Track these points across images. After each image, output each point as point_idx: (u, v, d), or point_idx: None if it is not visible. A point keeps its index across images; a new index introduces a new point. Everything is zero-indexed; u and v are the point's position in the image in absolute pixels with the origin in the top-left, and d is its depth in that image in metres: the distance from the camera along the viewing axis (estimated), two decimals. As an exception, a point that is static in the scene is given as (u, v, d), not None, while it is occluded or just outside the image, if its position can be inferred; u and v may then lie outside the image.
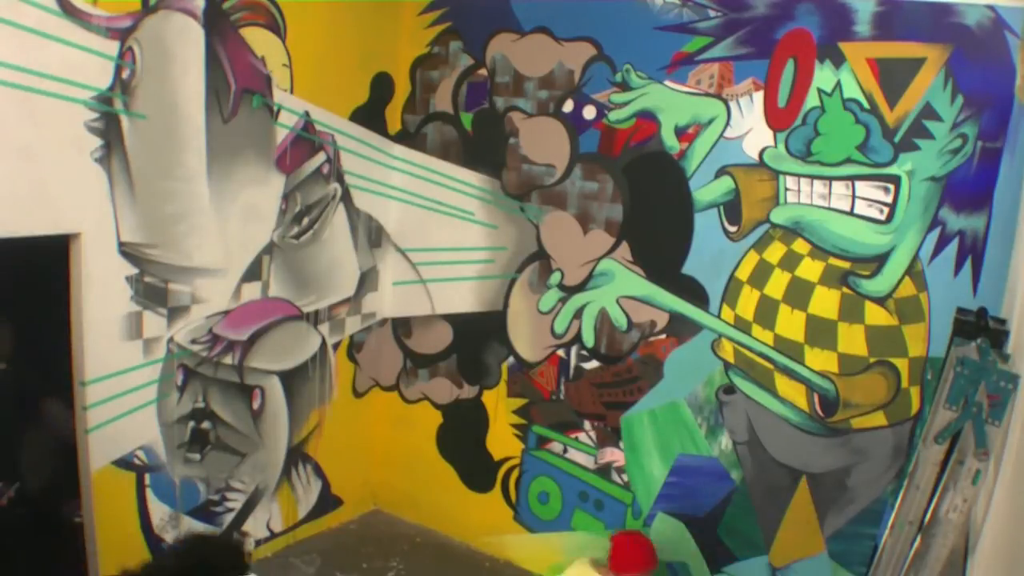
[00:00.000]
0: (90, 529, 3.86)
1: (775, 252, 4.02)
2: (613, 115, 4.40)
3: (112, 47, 3.57)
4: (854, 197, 3.80)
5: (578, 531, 4.76)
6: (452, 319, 5.11)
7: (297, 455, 4.92)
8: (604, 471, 4.66)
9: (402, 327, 5.32)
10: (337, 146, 4.74)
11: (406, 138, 5.12)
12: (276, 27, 4.27)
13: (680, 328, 4.33)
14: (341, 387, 5.17)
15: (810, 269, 3.93)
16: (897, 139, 3.69)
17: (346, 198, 4.87)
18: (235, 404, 4.47)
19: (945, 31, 3.55)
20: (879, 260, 3.79)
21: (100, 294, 3.71)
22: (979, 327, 2.91)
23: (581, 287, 4.60)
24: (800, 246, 3.95)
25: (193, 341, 4.17)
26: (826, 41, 3.81)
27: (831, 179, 3.85)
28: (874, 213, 3.77)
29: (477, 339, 5.02)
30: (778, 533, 4.17)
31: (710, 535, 4.35)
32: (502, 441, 5.00)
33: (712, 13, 4.09)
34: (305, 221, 4.64)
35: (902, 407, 3.80)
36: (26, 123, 3.32)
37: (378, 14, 4.85)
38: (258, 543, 4.78)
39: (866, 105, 3.73)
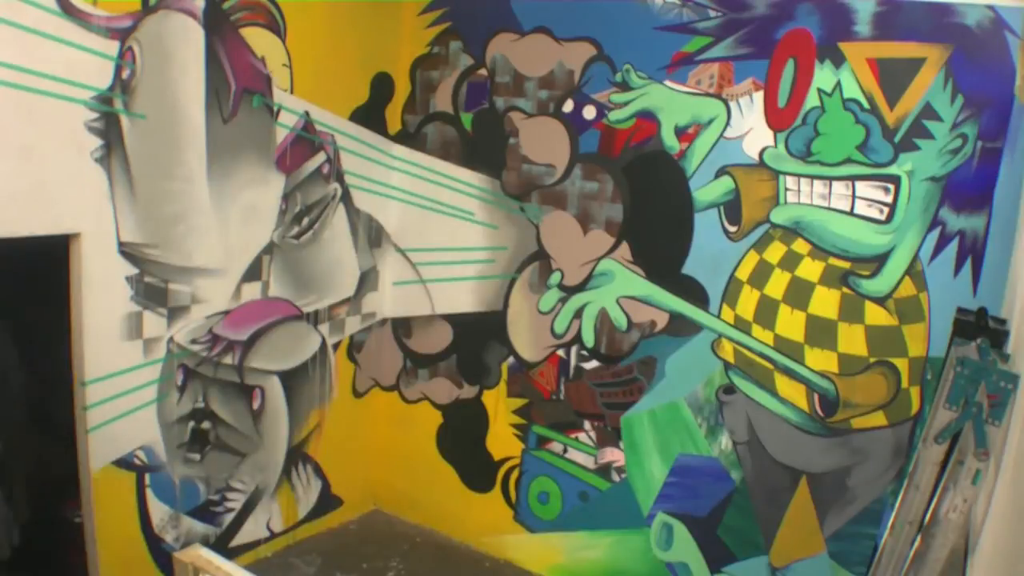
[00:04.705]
0: (90, 529, 3.86)
1: (775, 252, 4.02)
2: (613, 115, 4.40)
3: (112, 47, 3.57)
4: (854, 197, 3.80)
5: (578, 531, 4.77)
6: (452, 319, 5.11)
7: (297, 455, 4.92)
8: (604, 471, 4.66)
9: (402, 327, 5.32)
10: (337, 146, 4.74)
11: (406, 138, 5.12)
12: (276, 27, 4.26)
13: (680, 328, 4.33)
14: (341, 387, 5.17)
15: (810, 269, 3.93)
16: (897, 139, 3.69)
17: (346, 198, 4.86)
18: (235, 404, 4.47)
19: (945, 31, 3.55)
20: (879, 260, 3.79)
21: (100, 294, 3.70)
22: (979, 327, 2.91)
23: (581, 287, 4.60)
24: (800, 246, 3.96)
25: (193, 341, 4.17)
26: (826, 41, 3.81)
27: (831, 179, 3.85)
28: (874, 213, 3.77)
29: (477, 339, 5.02)
30: (778, 533, 4.17)
31: (710, 535, 4.36)
32: (502, 441, 4.99)
33: (712, 13, 4.09)
34: (305, 221, 4.64)
35: (902, 407, 3.80)
36: (26, 123, 3.32)
37: (378, 14, 4.85)
38: (258, 543, 4.78)
39: (866, 105, 3.73)
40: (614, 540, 4.65)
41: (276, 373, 4.67)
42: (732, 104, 4.07)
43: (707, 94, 4.13)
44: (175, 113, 3.87)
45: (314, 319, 4.84)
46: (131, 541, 4.08)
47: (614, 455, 4.61)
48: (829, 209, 3.86)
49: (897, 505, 2.74)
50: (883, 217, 3.75)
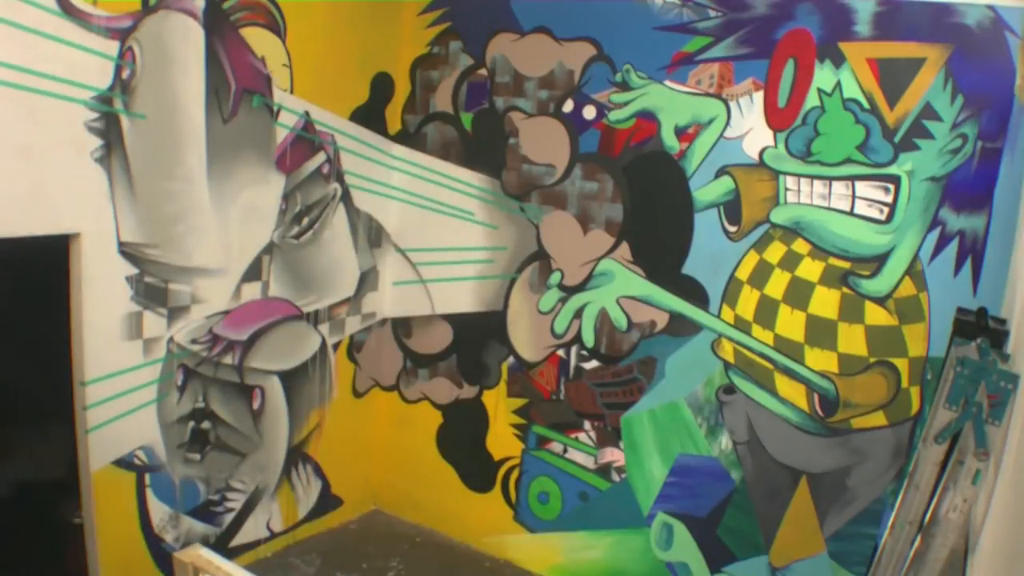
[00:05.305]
0: (90, 529, 3.86)
1: (775, 252, 4.02)
2: (613, 115, 4.40)
3: (112, 47, 3.57)
4: (854, 197, 3.80)
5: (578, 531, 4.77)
6: (452, 319, 5.11)
7: (297, 455, 4.92)
8: (604, 471, 4.66)
9: (402, 327, 5.32)
10: (337, 146, 4.74)
11: (406, 138, 5.12)
12: (276, 27, 4.26)
13: (680, 328, 4.33)
14: (341, 387, 5.17)
15: (810, 269, 3.93)
16: (897, 139, 3.69)
17: (346, 198, 4.86)
18: (235, 404, 4.47)
19: (945, 31, 3.55)
20: (879, 260, 3.79)
21: (100, 294, 3.70)
22: (979, 327, 2.91)
23: (581, 287, 4.60)
24: (800, 246, 3.96)
25: (193, 341, 4.17)
26: (826, 41, 3.81)
27: (831, 179, 3.85)
28: (874, 213, 3.77)
29: (477, 339, 5.02)
30: (778, 533, 4.17)
31: (710, 535, 4.36)
32: (502, 441, 4.99)
33: (712, 13, 4.09)
34: (305, 221, 4.64)
35: (902, 407, 3.80)
36: (26, 123, 3.32)
37: (378, 14, 4.85)
38: (258, 543, 4.78)
39: (866, 105, 3.73)
40: (614, 540, 4.65)
41: (276, 373, 4.67)
42: (732, 104, 4.07)
43: (707, 94, 4.13)
44: (175, 113, 3.87)
45: (314, 319, 4.84)
46: (131, 541, 4.08)
47: (614, 455, 4.61)
48: (829, 209, 3.86)
49: (897, 505, 2.74)
50: (883, 217, 3.75)
